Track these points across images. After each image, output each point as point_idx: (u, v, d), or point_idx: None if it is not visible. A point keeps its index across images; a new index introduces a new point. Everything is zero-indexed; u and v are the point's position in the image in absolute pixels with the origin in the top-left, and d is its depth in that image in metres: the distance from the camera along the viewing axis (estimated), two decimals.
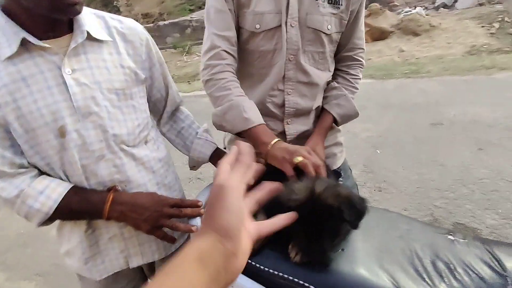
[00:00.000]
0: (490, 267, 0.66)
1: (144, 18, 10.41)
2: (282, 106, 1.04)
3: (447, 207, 2.20)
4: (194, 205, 0.83)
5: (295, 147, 0.83)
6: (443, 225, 2.04)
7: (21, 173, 0.76)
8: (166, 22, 8.76)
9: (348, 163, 1.27)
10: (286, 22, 0.94)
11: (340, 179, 1.21)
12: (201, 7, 11.78)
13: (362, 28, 1.08)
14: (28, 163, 0.77)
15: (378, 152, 2.91)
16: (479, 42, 5.49)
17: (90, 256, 0.85)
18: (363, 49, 1.11)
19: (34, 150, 0.76)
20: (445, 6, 8.82)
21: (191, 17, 8.69)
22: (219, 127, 0.98)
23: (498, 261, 0.67)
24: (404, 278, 0.63)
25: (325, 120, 1.09)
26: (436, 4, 9.04)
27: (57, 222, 0.85)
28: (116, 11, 10.77)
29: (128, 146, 0.84)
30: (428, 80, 4.25)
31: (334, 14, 0.97)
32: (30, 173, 0.77)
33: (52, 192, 0.75)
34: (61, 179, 0.79)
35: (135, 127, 0.85)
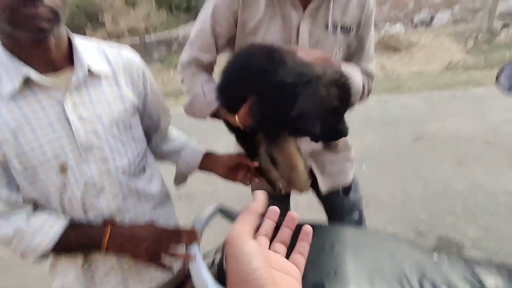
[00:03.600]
0: (472, 285, 0.71)
1: (130, 33, 10.39)
2: None
3: (430, 221, 2.27)
4: (191, 233, 0.84)
5: None
6: (427, 239, 2.11)
7: (17, 210, 0.75)
8: (152, 37, 8.79)
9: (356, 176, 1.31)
10: None
11: (351, 193, 1.27)
12: (187, 22, 11.90)
13: (371, 53, 1.08)
14: (24, 198, 0.76)
15: (364, 168, 2.98)
16: (455, 59, 5.77)
17: None
18: (371, 75, 1.09)
19: (33, 186, 0.75)
20: (422, 23, 9.23)
21: (177, 33, 8.75)
22: (193, 116, 1.02)
23: (479, 279, 0.72)
24: None
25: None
26: (415, 22, 9.45)
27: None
28: (102, 26, 10.72)
29: (128, 176, 0.84)
30: (408, 96, 4.41)
31: (343, 42, 1.00)
32: (26, 209, 0.76)
33: (50, 229, 0.75)
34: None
35: (135, 156, 0.86)
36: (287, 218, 0.41)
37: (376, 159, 3.12)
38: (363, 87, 1.06)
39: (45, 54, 0.73)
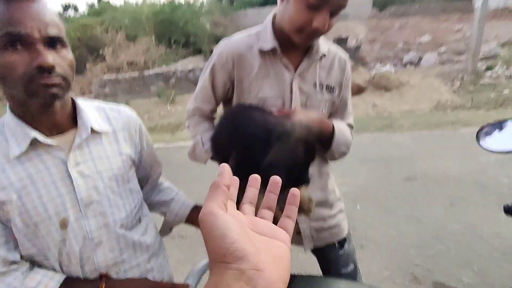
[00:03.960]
0: None
1: (129, 66, 10.68)
2: None
3: (426, 265, 2.26)
4: None
5: None
6: (423, 284, 2.09)
7: (12, 270, 0.76)
8: (150, 71, 9.03)
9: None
10: (290, 106, 1.05)
11: (345, 245, 1.28)
12: (185, 57, 12.30)
13: (350, 110, 1.21)
14: (21, 256, 0.78)
15: (358, 207, 3.00)
16: (443, 99, 6.00)
17: None
18: (352, 126, 1.22)
19: (32, 243, 0.77)
20: (411, 63, 9.67)
21: (175, 68, 9.02)
22: (194, 161, 1.14)
23: None
24: None
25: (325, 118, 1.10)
26: (404, 62, 9.90)
27: None
28: (102, 59, 11.02)
29: (126, 229, 0.87)
30: (400, 135, 4.53)
31: (329, 99, 1.11)
32: (22, 268, 0.77)
33: None
34: (55, 270, 0.80)
35: (133, 209, 0.89)
36: (270, 182, 0.40)
37: (370, 198, 3.14)
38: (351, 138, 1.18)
39: (52, 118, 0.78)
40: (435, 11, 22.14)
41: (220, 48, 1.08)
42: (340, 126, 1.09)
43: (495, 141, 1.12)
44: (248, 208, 0.39)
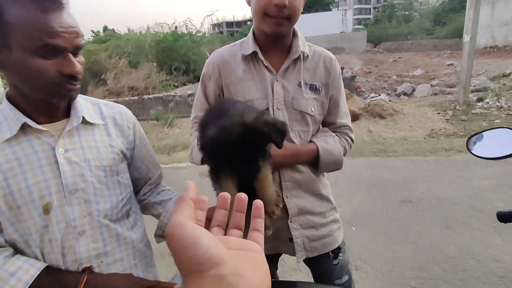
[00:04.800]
0: None
1: (130, 91, 10.86)
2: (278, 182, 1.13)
3: None
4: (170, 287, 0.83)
5: None
6: None
7: None
8: (150, 96, 9.19)
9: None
10: (273, 106, 1.08)
11: (340, 255, 1.24)
12: (185, 83, 12.57)
13: (345, 110, 1.22)
14: (5, 241, 0.77)
15: (353, 229, 2.96)
16: (436, 127, 6.10)
17: None
18: (348, 126, 1.23)
19: (14, 227, 0.76)
20: (405, 94, 9.93)
21: (175, 93, 9.19)
22: (192, 162, 1.17)
23: None
24: None
25: (306, 146, 1.14)
26: (397, 92, 10.17)
27: None
28: (103, 83, 11.23)
29: (110, 220, 0.86)
30: (394, 159, 4.56)
31: (315, 98, 1.13)
32: (5, 252, 0.76)
33: (24, 274, 0.74)
34: (36, 258, 0.78)
35: (119, 201, 0.89)
36: (236, 201, 0.39)
37: (365, 221, 3.10)
38: (345, 148, 1.19)
39: (50, 109, 0.81)
40: (426, 47, 23.16)
41: (208, 59, 1.18)
42: (326, 147, 1.13)
43: (484, 148, 1.14)
44: (217, 231, 0.38)
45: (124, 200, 0.91)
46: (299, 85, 1.11)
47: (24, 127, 0.77)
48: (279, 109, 1.09)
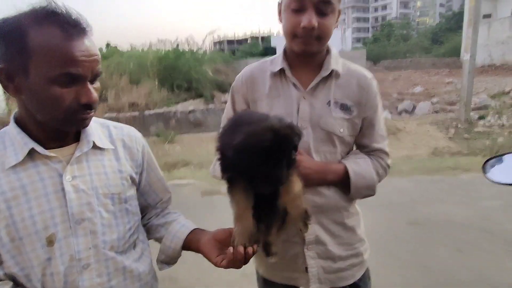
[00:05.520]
0: None
1: (130, 107, 10.90)
2: None
3: None
4: None
5: None
6: None
7: None
8: (151, 111, 9.21)
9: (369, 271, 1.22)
10: (297, 124, 1.03)
11: None
12: (186, 99, 12.64)
13: (381, 133, 1.13)
14: (5, 274, 0.72)
15: None
16: (440, 145, 6.07)
17: None
18: (384, 151, 1.13)
19: (15, 260, 0.71)
20: (406, 111, 9.97)
21: (176, 108, 9.22)
22: (214, 177, 1.12)
23: None
24: None
25: (334, 164, 1.07)
26: (399, 110, 10.21)
27: None
28: (103, 100, 11.29)
29: (116, 252, 0.81)
30: (400, 179, 4.49)
31: (346, 119, 1.06)
32: (5, 286, 0.71)
33: None
34: None
35: (126, 231, 0.84)
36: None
37: (372, 242, 2.99)
38: (377, 172, 1.11)
39: (60, 135, 0.78)
40: (425, 65, 23.47)
41: (239, 74, 1.18)
42: (356, 169, 1.06)
43: (502, 173, 1.09)
44: None
45: (132, 229, 0.86)
46: (328, 104, 1.06)
47: (31, 153, 0.73)
48: (304, 128, 1.03)
